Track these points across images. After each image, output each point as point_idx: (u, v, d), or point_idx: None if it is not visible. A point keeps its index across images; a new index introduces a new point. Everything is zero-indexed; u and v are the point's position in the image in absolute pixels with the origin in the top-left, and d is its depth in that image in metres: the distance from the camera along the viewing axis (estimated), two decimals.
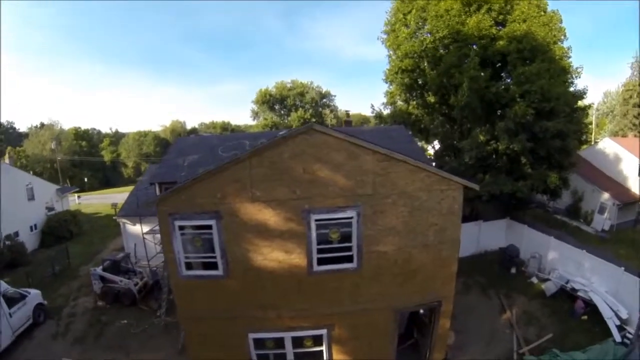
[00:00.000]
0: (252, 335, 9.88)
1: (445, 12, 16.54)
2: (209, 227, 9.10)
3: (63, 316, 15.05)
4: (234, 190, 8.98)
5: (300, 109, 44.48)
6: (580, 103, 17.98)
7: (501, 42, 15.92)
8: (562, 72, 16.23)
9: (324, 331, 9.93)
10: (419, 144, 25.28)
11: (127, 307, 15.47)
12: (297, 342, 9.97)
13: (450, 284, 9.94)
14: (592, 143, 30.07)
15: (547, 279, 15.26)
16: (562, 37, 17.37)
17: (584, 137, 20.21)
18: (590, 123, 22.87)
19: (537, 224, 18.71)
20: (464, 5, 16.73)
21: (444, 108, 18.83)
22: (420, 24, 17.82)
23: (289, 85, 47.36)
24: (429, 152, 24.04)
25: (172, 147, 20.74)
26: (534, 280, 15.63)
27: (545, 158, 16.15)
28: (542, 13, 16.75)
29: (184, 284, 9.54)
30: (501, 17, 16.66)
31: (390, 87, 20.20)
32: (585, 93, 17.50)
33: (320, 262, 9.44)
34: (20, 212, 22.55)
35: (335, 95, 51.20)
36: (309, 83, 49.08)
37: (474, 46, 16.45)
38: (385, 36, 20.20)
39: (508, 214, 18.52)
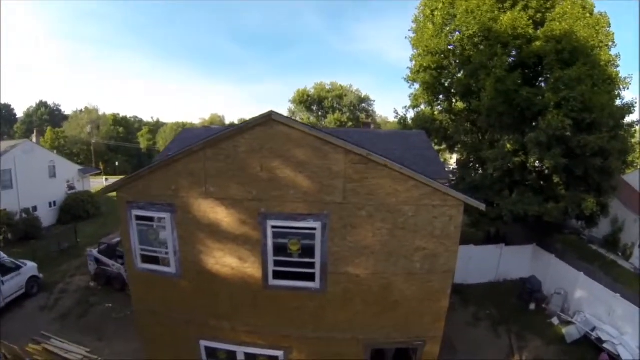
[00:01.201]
0: (203, 343, 8.28)
1: (477, 8, 13.30)
2: (164, 220, 7.64)
3: (55, 291, 14.51)
4: (188, 184, 7.34)
5: (338, 111, 41.56)
6: (627, 119, 14.14)
7: (538, 43, 12.59)
8: (607, 81, 12.78)
9: (280, 353, 7.98)
10: (446, 153, 21.57)
11: (117, 291, 14.37)
12: (251, 358, 8.21)
13: (439, 322, 7.34)
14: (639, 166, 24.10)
15: (571, 322, 11.94)
16: (610, 43, 13.71)
17: (629, 158, 15.56)
18: (638, 143, 17.50)
19: (568, 254, 14.81)
20: (497, 0, 13.20)
21: (472, 115, 15.26)
22: (447, 20, 14.80)
23: (327, 87, 44.53)
24: (451, 161, 20.28)
25: (176, 137, 19.17)
26: (555, 321, 12.22)
27: (582, 178, 12.49)
28: (588, 15, 13.27)
29: (139, 277, 8.21)
30: (539, 15, 13.36)
31: (414, 88, 17.01)
32: (633, 106, 13.57)
33: (277, 275, 7.43)
34: (40, 189, 22.13)
35: (374, 100, 48.02)
36: (349, 86, 45.97)
37: (507, 47, 12.82)
38: (412, 35, 17.21)
39: (537, 239, 14.99)
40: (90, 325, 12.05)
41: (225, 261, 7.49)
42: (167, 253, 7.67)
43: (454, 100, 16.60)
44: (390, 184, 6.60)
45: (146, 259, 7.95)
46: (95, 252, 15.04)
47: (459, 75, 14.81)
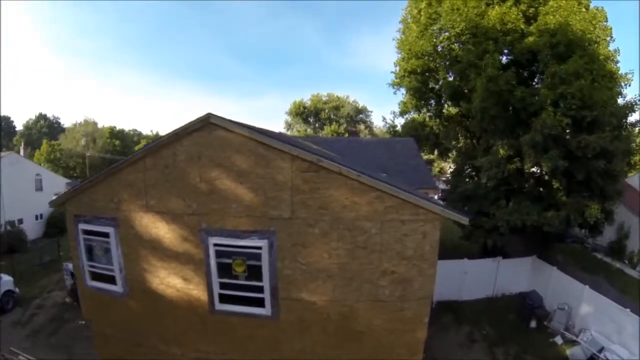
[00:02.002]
0: None
1: (463, 4, 11.50)
2: (108, 235, 6.64)
3: (31, 307, 13.40)
4: (129, 196, 6.28)
5: (335, 122, 39.74)
6: (630, 118, 12.42)
7: (531, 39, 10.80)
8: (607, 76, 11.12)
9: None
10: (442, 162, 19.61)
11: None
12: None
13: (416, 355, 6.07)
14: None
15: (576, 342, 10.18)
16: (608, 39, 12.02)
17: (633, 159, 13.41)
18: None
19: (571, 265, 12.75)
20: None
21: (464, 119, 13.55)
22: (432, 19, 12.93)
23: (324, 99, 42.66)
24: (449, 170, 18.39)
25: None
26: (558, 340, 10.55)
27: (584, 183, 10.72)
28: (584, 10, 11.71)
29: (89, 295, 7.20)
30: (532, 10, 11.43)
31: (400, 94, 15.32)
32: (636, 104, 11.77)
33: (225, 299, 6.10)
34: (26, 201, 21.02)
35: (371, 111, 45.83)
36: (345, 97, 44.06)
37: (497, 43, 11.13)
38: (399, 36, 15.58)
39: (536, 250, 13.28)
40: (60, 343, 11.11)
41: (169, 281, 6.30)
42: (113, 270, 6.75)
43: (445, 105, 14.78)
44: (347, 195, 5.12)
45: (95, 276, 7.05)
46: (71, 266, 13.91)
47: (447, 77, 13.03)
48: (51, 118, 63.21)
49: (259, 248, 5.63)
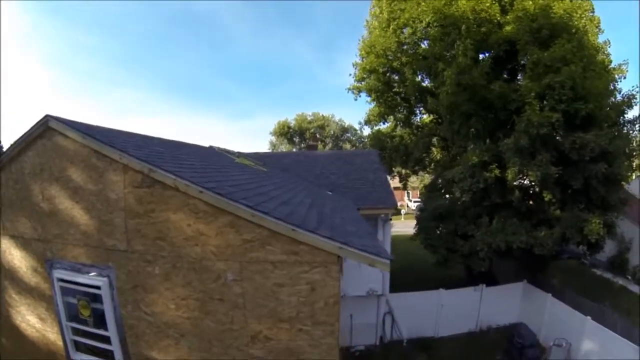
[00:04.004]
0: None
1: None
2: None
3: None
4: None
5: (320, 142, 36.54)
6: (628, 114, 9.43)
7: (508, 28, 8.37)
8: (600, 67, 8.52)
9: None
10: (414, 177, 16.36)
11: None
12: None
13: None
14: None
15: None
16: (596, 30, 9.44)
17: (634, 162, 10.11)
18: None
19: (569, 288, 9.75)
20: None
21: (438, 127, 10.87)
22: (396, 13, 10.63)
23: (309, 118, 39.02)
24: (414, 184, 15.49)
25: None
26: None
27: (582, 192, 7.65)
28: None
29: None
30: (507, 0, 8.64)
31: (363, 101, 12.76)
32: (634, 97, 8.94)
33: (79, 347, 4.24)
34: None
35: (357, 130, 42.18)
36: (330, 116, 40.06)
37: (469, 32, 8.63)
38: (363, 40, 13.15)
39: (528, 273, 10.34)
40: None
41: (29, 319, 4.71)
42: None
43: (417, 111, 12.08)
44: (190, 221, 3.11)
45: None
46: None
47: (415, 78, 10.53)
48: None
49: (98, 287, 3.68)
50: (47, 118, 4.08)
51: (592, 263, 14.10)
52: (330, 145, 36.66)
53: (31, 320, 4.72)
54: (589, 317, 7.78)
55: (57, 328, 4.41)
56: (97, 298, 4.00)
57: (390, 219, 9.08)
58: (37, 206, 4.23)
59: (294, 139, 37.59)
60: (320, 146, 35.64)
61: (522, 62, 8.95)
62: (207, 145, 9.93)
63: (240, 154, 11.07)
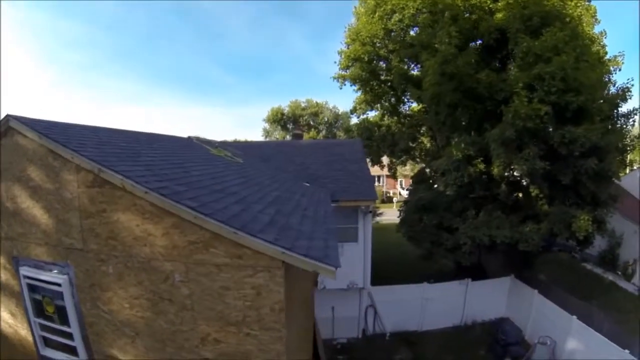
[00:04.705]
0: None
1: None
2: None
3: None
4: None
5: (314, 129, 36.32)
6: (622, 108, 9.09)
7: (499, 15, 7.98)
8: (594, 57, 8.24)
9: None
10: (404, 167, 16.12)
11: None
12: None
13: None
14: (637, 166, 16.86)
15: None
16: (592, 20, 9.10)
17: (626, 157, 9.87)
18: (637, 137, 11.51)
19: (557, 284, 9.51)
20: None
21: (426, 115, 10.69)
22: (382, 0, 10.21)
23: (303, 105, 38.76)
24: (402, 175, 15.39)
25: None
26: None
27: (571, 188, 7.52)
28: None
29: None
30: None
31: (348, 89, 12.66)
32: (629, 90, 8.66)
33: (48, 343, 4.36)
34: None
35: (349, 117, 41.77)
36: (324, 103, 39.81)
37: (456, 20, 8.38)
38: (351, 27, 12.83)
39: (517, 267, 10.28)
40: None
41: (2, 315, 4.74)
42: None
43: (405, 99, 11.88)
44: (138, 221, 3.20)
45: None
46: None
47: (396, 60, 10.29)
48: None
49: (59, 284, 3.82)
50: (8, 117, 4.17)
51: (583, 257, 13.99)
52: (324, 132, 36.57)
53: (4, 316, 4.91)
54: (574, 317, 7.77)
55: (27, 324, 4.66)
56: (59, 295, 4.21)
57: (371, 211, 9.04)
58: (3, 205, 4.40)
59: (288, 125, 37.52)
60: (313, 133, 35.63)
61: (514, 51, 8.57)
62: (199, 135, 9.98)
63: (221, 144, 11.07)
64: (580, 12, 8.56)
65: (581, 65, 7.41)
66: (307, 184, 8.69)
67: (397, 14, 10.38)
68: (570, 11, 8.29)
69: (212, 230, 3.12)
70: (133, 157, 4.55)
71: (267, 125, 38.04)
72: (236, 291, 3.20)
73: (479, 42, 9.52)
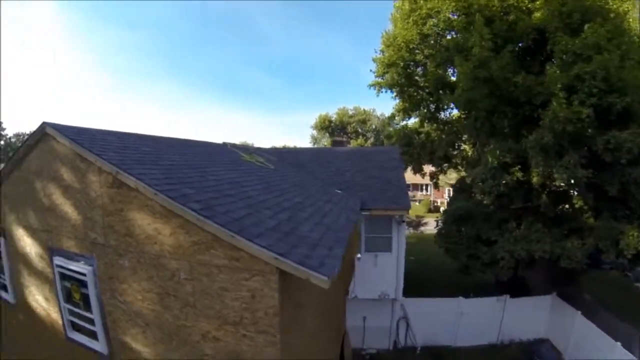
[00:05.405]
0: None
1: None
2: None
3: None
4: (8, 209, 5.55)
5: (361, 136, 36.30)
6: None
7: (537, 14, 7.51)
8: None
9: None
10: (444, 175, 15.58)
11: None
12: None
13: None
14: None
15: None
16: (637, 15, 8.30)
17: None
18: None
19: (604, 305, 8.87)
20: None
21: (465, 123, 10.38)
22: (419, 3, 10.21)
23: (350, 112, 39.67)
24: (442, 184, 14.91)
25: None
26: None
27: (619, 199, 6.84)
28: None
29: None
30: None
31: (385, 96, 12.62)
32: None
33: (76, 327, 4.90)
34: None
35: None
36: (372, 110, 40.35)
37: (492, 22, 8.06)
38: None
39: (562, 284, 9.63)
40: None
41: (38, 299, 5.47)
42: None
43: (444, 107, 11.55)
44: (150, 220, 3.55)
45: (1, 286, 6.42)
46: None
47: (434, 70, 10.02)
48: None
49: (84, 274, 4.34)
50: (44, 125, 4.82)
51: (637, 276, 12.58)
52: (372, 139, 36.70)
53: (39, 299, 5.63)
54: (618, 343, 7.11)
55: (58, 308, 5.29)
56: (84, 284, 4.75)
57: (404, 221, 8.88)
58: (40, 201, 5.05)
59: (335, 132, 38.29)
60: (361, 140, 35.93)
61: (553, 52, 8.08)
62: (246, 141, 10.58)
63: (256, 151, 11.56)
64: (627, 7, 7.90)
65: (626, 64, 6.80)
66: (339, 191, 8.79)
67: (432, 19, 10.24)
68: (613, 5, 7.70)
69: (212, 233, 3.32)
70: (154, 161, 4.97)
71: (314, 132, 39.36)
72: (234, 292, 3.36)
73: (518, 44, 9.03)
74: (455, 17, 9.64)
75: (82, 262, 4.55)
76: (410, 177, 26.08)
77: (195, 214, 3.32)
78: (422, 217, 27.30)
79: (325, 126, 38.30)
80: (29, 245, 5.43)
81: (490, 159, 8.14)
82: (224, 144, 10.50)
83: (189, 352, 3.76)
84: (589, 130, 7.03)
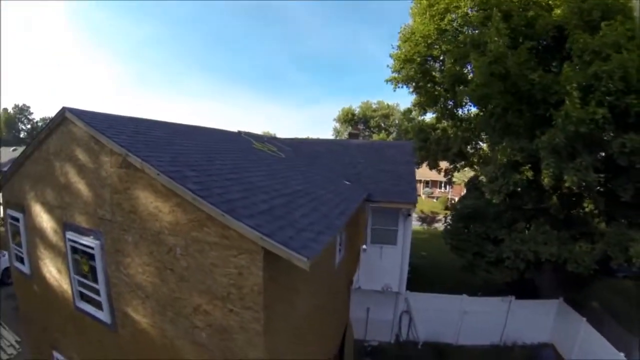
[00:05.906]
0: (55, 354, 6.66)
1: None
2: (18, 220, 6.62)
3: None
4: (29, 187, 6.20)
5: (384, 131, 36.31)
6: None
7: (557, 11, 7.42)
8: None
9: None
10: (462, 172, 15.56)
11: None
12: None
13: None
14: None
15: None
16: None
17: None
18: None
19: (611, 313, 8.61)
20: None
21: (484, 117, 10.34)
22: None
23: (374, 106, 39.83)
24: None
25: None
26: None
27: (633, 206, 6.65)
28: None
29: (15, 274, 7.43)
30: None
31: (402, 92, 12.64)
32: None
33: (83, 297, 5.52)
34: None
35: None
36: (395, 105, 40.32)
37: (510, 17, 7.98)
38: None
39: (572, 289, 9.61)
40: None
41: (51, 270, 6.13)
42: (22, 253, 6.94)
43: (462, 103, 11.49)
44: (152, 199, 3.92)
45: (18, 258, 7.11)
46: None
47: (452, 65, 9.98)
48: None
49: (92, 248, 4.83)
50: (64, 109, 5.28)
51: None
52: (394, 134, 36.75)
53: (53, 271, 6.19)
54: (622, 354, 7.03)
55: (69, 279, 5.82)
56: (92, 257, 5.21)
57: (410, 215, 9.04)
58: (57, 180, 5.55)
59: (359, 126, 38.66)
60: (383, 135, 36.02)
61: (571, 50, 7.78)
62: (269, 131, 11.05)
63: (269, 140, 11.90)
64: None
65: None
66: (348, 182, 9.02)
67: (450, 14, 10.21)
68: (636, 2, 7.31)
69: (206, 212, 3.61)
70: (163, 145, 5.33)
71: (337, 125, 39.90)
72: (223, 268, 3.67)
73: (537, 41, 8.83)
74: (474, 12, 9.55)
75: (92, 236, 5.00)
76: (429, 174, 25.84)
77: (192, 193, 3.62)
78: (438, 213, 27.03)
79: (348, 119, 38.58)
80: (45, 220, 5.98)
81: (500, 157, 8.15)
82: (239, 132, 10.91)
83: (183, 324, 4.13)
84: (604, 133, 6.93)
